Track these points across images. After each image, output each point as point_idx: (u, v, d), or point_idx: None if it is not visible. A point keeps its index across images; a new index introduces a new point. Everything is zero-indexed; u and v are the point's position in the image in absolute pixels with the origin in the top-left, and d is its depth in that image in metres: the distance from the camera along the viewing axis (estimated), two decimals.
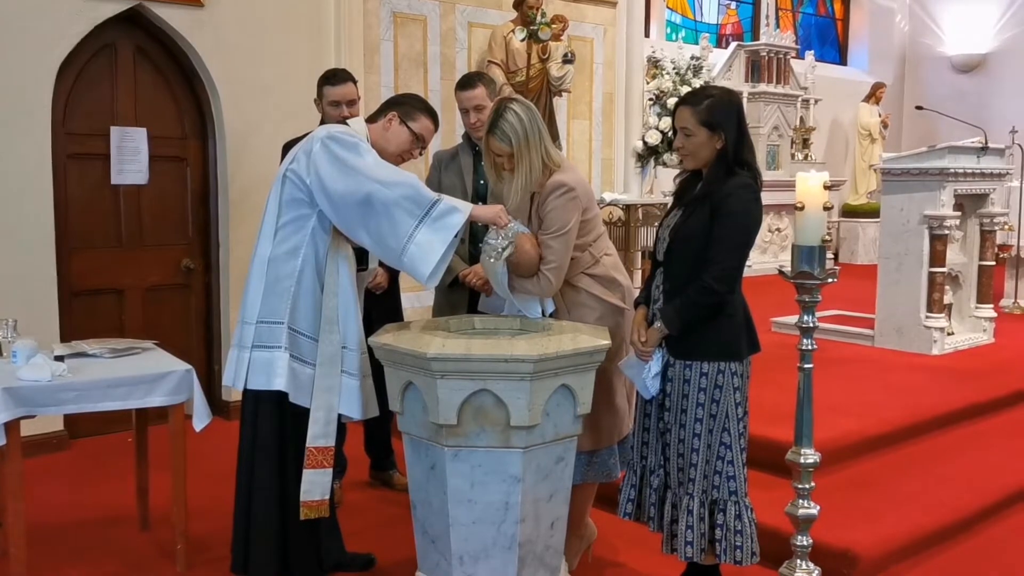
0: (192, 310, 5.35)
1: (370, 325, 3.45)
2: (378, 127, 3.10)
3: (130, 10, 4.83)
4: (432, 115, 3.17)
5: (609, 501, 3.65)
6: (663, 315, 2.77)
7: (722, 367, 2.76)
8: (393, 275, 3.96)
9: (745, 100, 10.04)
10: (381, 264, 3.92)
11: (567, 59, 6.41)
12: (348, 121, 3.20)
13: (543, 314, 3.05)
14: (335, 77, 3.91)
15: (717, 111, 2.74)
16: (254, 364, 2.88)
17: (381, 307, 3.89)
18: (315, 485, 2.89)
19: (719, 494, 2.79)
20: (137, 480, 3.72)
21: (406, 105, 3.15)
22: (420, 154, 3.25)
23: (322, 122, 3.98)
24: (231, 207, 5.27)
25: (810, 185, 2.58)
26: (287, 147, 4.03)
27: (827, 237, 2.57)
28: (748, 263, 8.92)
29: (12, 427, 2.98)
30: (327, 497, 2.93)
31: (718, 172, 2.76)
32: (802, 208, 2.61)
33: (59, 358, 3.18)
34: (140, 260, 5.10)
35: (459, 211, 2.79)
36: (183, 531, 3.32)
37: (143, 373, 3.22)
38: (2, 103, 4.45)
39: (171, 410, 3.26)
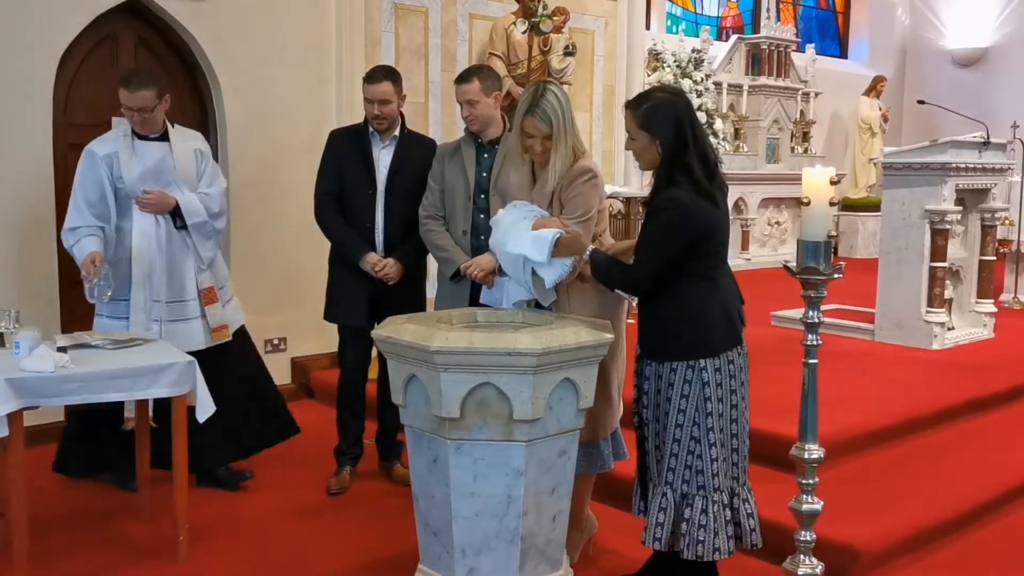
0: None
1: (381, 315, 3.48)
2: None
3: (131, 0, 4.81)
4: (121, 83, 3.75)
5: (609, 495, 3.66)
6: (596, 254, 2.88)
7: (691, 363, 2.79)
8: (411, 268, 3.94)
9: (745, 93, 10.03)
10: (392, 255, 3.93)
11: (568, 51, 6.39)
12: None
13: (545, 302, 3.06)
14: (371, 76, 3.94)
15: (653, 116, 2.76)
16: None
17: (396, 297, 3.88)
18: None
19: (688, 488, 2.82)
20: (138, 470, 3.72)
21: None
22: (140, 119, 3.76)
23: (365, 117, 4.00)
24: (232, 198, 5.24)
25: (816, 180, 2.57)
26: (334, 136, 4.14)
27: (833, 232, 2.57)
28: (747, 256, 8.88)
29: (15, 418, 2.98)
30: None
31: (659, 179, 2.81)
32: (808, 203, 2.60)
33: (62, 349, 3.17)
34: None
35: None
36: (184, 522, 3.32)
37: (146, 364, 3.21)
38: (4, 93, 4.44)
39: (173, 401, 3.26)
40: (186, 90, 5.22)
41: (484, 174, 3.67)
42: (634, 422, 3.00)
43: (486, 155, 3.70)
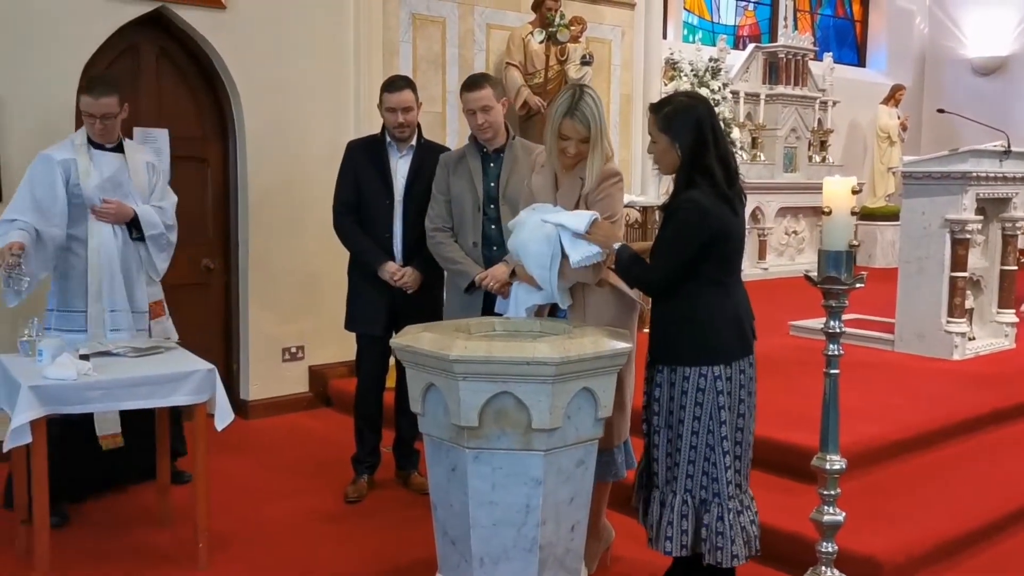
0: (211, 309, 5.38)
1: (400, 323, 3.49)
2: None
3: (153, 12, 4.87)
4: (85, 89, 3.74)
5: (625, 504, 3.65)
6: (624, 250, 2.87)
7: (704, 371, 2.79)
8: (429, 277, 3.94)
9: (762, 102, 10.01)
10: (410, 263, 3.94)
11: (585, 61, 6.40)
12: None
13: (560, 308, 3.08)
14: (392, 85, 3.96)
15: (673, 119, 2.78)
16: None
17: (414, 305, 3.89)
18: None
19: (705, 494, 2.83)
20: (158, 477, 3.75)
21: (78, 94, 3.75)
22: (101, 126, 3.74)
23: (382, 128, 4.01)
24: (250, 207, 5.29)
25: (838, 189, 2.57)
26: (351, 147, 4.15)
27: (855, 242, 2.56)
28: (764, 266, 8.84)
29: (38, 425, 3.00)
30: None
31: (678, 182, 2.82)
32: (829, 212, 2.59)
33: (84, 357, 3.20)
34: None
35: None
36: (205, 529, 3.34)
37: (166, 372, 3.24)
38: (29, 103, 4.49)
39: (194, 409, 3.27)
40: (206, 101, 5.27)
41: (492, 184, 3.67)
42: (643, 429, 2.99)
43: (492, 164, 3.70)
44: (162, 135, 5.01)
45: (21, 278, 3.43)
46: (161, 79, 5.08)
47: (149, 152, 4.09)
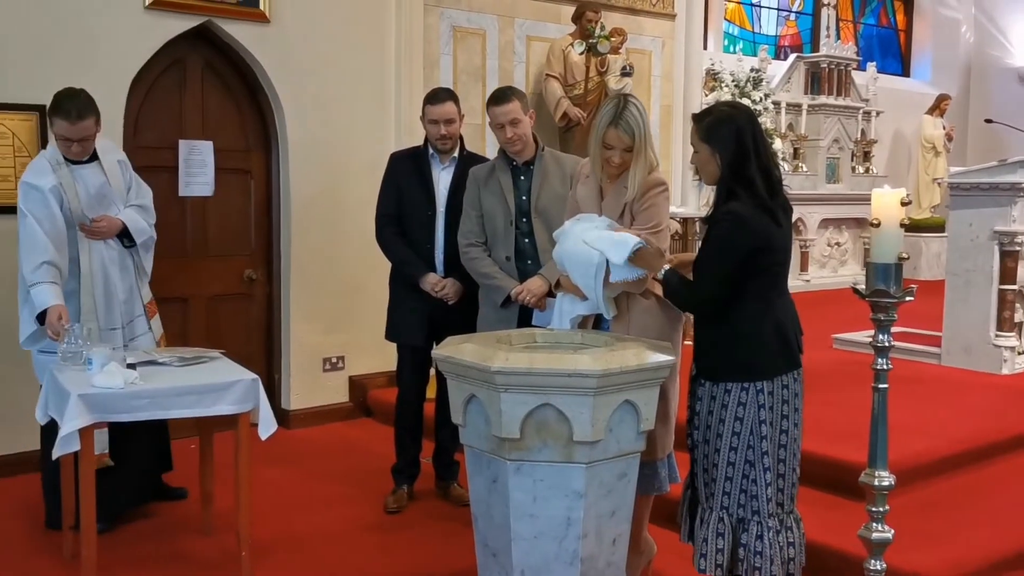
0: (253, 319, 5.44)
1: (440, 335, 3.49)
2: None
3: (199, 26, 4.95)
4: (60, 113, 3.56)
5: (667, 518, 3.61)
6: (672, 276, 2.84)
7: (746, 386, 2.75)
8: (470, 288, 3.94)
9: (804, 112, 9.90)
10: (451, 274, 3.95)
11: (625, 72, 6.39)
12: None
13: (605, 318, 3.06)
14: (435, 97, 3.98)
15: (714, 128, 2.76)
16: None
17: (455, 317, 3.90)
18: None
19: (744, 512, 2.78)
20: (202, 486, 3.79)
21: (49, 111, 3.62)
22: (79, 149, 3.64)
23: (425, 140, 4.04)
24: (292, 218, 5.35)
25: (887, 201, 2.52)
26: (394, 158, 4.18)
27: (904, 254, 2.51)
28: (806, 278, 8.71)
29: (86, 433, 3.06)
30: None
31: (719, 192, 2.79)
32: (878, 224, 2.55)
33: (131, 366, 3.25)
34: (204, 270, 5.20)
35: None
36: (247, 537, 3.36)
37: (211, 382, 3.27)
38: None
39: (238, 418, 3.31)
40: (249, 113, 5.34)
41: (524, 197, 3.67)
42: (687, 443, 2.96)
43: (523, 177, 3.69)
44: (206, 147, 5.09)
45: (74, 340, 3.34)
46: (206, 92, 5.17)
47: (112, 147, 3.97)
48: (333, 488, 4.36)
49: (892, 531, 2.74)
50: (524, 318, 3.55)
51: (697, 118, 2.85)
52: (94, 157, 3.79)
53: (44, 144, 4.41)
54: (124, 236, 3.81)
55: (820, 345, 6.10)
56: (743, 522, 2.79)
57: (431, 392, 4.26)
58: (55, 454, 3.09)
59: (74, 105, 3.59)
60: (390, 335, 4.20)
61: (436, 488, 4.28)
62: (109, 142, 3.93)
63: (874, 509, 2.73)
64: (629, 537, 2.89)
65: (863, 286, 2.63)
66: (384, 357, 5.50)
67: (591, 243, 2.93)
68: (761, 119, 8.61)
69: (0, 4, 4.37)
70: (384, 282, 4.26)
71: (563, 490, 2.65)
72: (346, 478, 4.48)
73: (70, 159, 3.72)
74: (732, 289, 2.72)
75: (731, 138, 2.73)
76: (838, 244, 10.29)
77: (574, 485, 2.65)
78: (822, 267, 10.05)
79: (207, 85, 5.17)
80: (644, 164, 3.04)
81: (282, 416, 5.25)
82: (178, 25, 4.86)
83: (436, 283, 3.94)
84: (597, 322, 3.17)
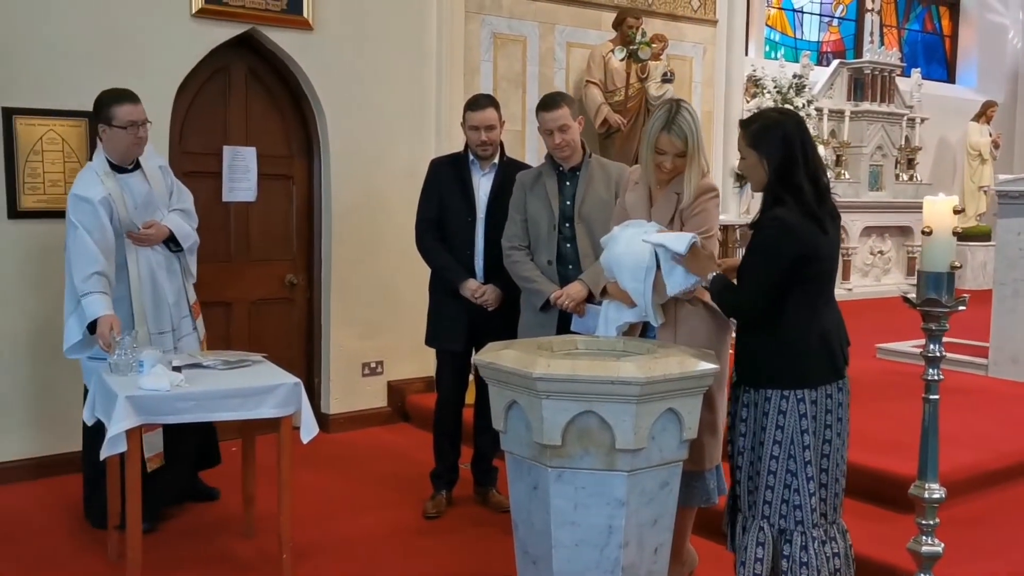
0: (294, 324, 5.49)
1: (480, 340, 3.50)
2: (103, 144, 3.77)
3: (244, 34, 5.02)
4: (123, 99, 3.71)
5: (708, 528, 3.58)
6: (719, 278, 2.82)
7: (786, 394, 2.71)
8: (509, 294, 3.95)
9: (847, 119, 9.79)
10: (491, 280, 3.96)
11: (666, 78, 6.36)
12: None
13: (653, 325, 3.05)
14: (476, 103, 3.99)
15: (761, 134, 2.73)
16: None
17: (494, 323, 3.91)
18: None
19: (785, 523, 2.74)
20: (244, 488, 3.82)
21: (102, 109, 3.73)
22: (145, 132, 3.78)
23: (465, 146, 4.06)
24: (334, 224, 5.39)
25: (938, 209, 2.48)
26: (435, 164, 4.21)
27: (956, 263, 2.47)
28: (848, 287, 8.61)
29: (132, 434, 3.10)
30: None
31: (766, 199, 2.76)
32: (930, 233, 2.51)
33: (177, 369, 3.29)
34: (247, 275, 5.26)
35: None
36: (289, 540, 3.38)
37: (254, 385, 3.30)
38: None
39: (280, 422, 3.33)
40: (292, 120, 5.39)
41: (568, 202, 3.66)
42: (728, 451, 2.93)
43: (568, 183, 3.69)
44: (250, 153, 5.15)
45: (124, 351, 3.35)
46: (250, 99, 5.23)
47: (152, 153, 4.02)
48: (372, 492, 4.38)
49: (942, 545, 2.69)
50: (564, 323, 3.54)
51: (744, 123, 2.84)
52: (137, 165, 3.86)
53: (93, 150, 4.50)
54: (170, 241, 3.88)
55: (864, 355, 6.01)
56: (785, 532, 2.75)
57: (470, 398, 4.26)
58: (102, 455, 3.13)
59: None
60: (430, 341, 4.21)
61: (474, 494, 4.28)
62: (149, 147, 3.99)
63: (924, 522, 2.68)
64: (671, 546, 2.86)
65: (913, 295, 2.59)
66: (422, 362, 5.53)
67: (650, 240, 2.91)
68: None
69: (49, 13, 4.46)
70: (423, 288, 4.28)
71: (605, 498, 2.64)
72: (385, 483, 4.50)
73: (117, 167, 3.78)
74: (777, 296, 2.69)
75: (779, 144, 2.70)
76: (881, 252, 10.15)
77: (616, 493, 2.63)
78: (864, 276, 9.93)
79: (251, 92, 5.24)
80: (698, 169, 3.04)
81: (322, 420, 5.26)
82: (223, 33, 4.93)
83: (476, 289, 3.95)
84: (644, 330, 3.14)
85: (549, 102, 3.67)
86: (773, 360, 2.74)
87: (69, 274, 3.66)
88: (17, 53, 4.39)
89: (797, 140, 2.71)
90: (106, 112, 3.72)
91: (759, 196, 2.81)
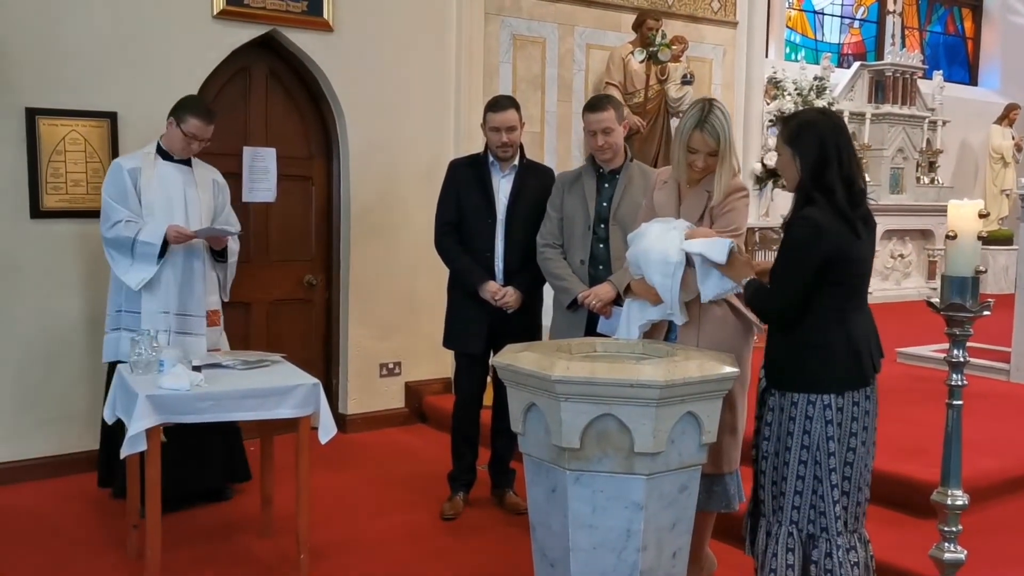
0: (313, 324, 5.50)
1: (498, 342, 3.50)
2: (165, 131, 4.03)
3: (265, 35, 5.04)
4: (199, 114, 3.95)
5: (728, 533, 3.56)
6: (752, 282, 2.78)
7: (812, 399, 2.69)
8: (530, 295, 3.94)
9: (868, 121, 9.73)
10: (511, 282, 3.96)
11: (686, 80, 6.34)
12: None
13: (674, 327, 3.03)
14: (496, 104, 4.00)
15: (798, 132, 2.72)
16: None
17: (513, 325, 3.91)
18: None
19: (813, 529, 2.72)
20: (262, 488, 3.83)
21: (180, 109, 3.97)
22: (198, 148, 4.04)
23: (485, 147, 4.07)
24: (352, 225, 5.41)
25: (964, 213, 2.46)
26: (454, 165, 4.21)
27: (981, 268, 2.45)
28: (868, 290, 8.50)
29: (152, 433, 3.12)
30: None
31: (797, 198, 2.74)
32: (954, 237, 2.49)
33: (196, 368, 3.31)
34: (266, 275, 5.28)
35: None
36: (306, 540, 3.39)
37: (273, 385, 3.31)
38: (146, 124, 4.68)
39: (298, 422, 3.34)
40: (312, 120, 5.41)
41: (604, 204, 3.66)
42: (753, 455, 2.91)
43: (607, 185, 3.70)
44: (269, 154, 5.15)
45: (144, 349, 3.41)
46: (270, 100, 5.25)
47: (211, 167, 4.27)
48: (390, 493, 4.38)
49: (965, 552, 2.66)
50: (592, 325, 3.55)
51: (784, 120, 2.85)
52: (187, 162, 4.07)
53: (115, 151, 4.56)
54: (217, 253, 4.12)
55: (884, 359, 5.96)
56: (812, 538, 2.72)
57: (487, 399, 4.26)
58: (123, 454, 3.16)
59: (209, 111, 4.05)
60: (448, 342, 4.21)
61: (492, 495, 4.28)
62: (210, 165, 4.27)
63: (946, 529, 2.65)
64: (689, 550, 2.85)
65: (935, 299, 2.56)
66: (439, 364, 5.54)
67: (690, 250, 2.88)
68: None
69: (72, 14, 4.50)
70: (441, 289, 4.28)
71: (623, 501, 2.63)
72: (402, 484, 4.50)
73: (163, 153, 4.02)
74: (806, 298, 2.67)
75: (813, 143, 2.68)
76: (901, 256, 10.08)
77: (634, 496, 2.62)
78: (884, 279, 9.85)
79: (271, 93, 5.26)
80: (729, 168, 3.04)
81: (339, 421, 5.25)
82: (244, 34, 4.96)
83: (496, 291, 3.95)
84: (667, 331, 3.13)
85: (596, 104, 3.69)
86: (799, 363, 2.71)
87: (111, 259, 3.96)
88: (40, 54, 4.43)
89: (832, 141, 2.68)
90: (181, 114, 3.99)
91: (780, 198, 2.79)
